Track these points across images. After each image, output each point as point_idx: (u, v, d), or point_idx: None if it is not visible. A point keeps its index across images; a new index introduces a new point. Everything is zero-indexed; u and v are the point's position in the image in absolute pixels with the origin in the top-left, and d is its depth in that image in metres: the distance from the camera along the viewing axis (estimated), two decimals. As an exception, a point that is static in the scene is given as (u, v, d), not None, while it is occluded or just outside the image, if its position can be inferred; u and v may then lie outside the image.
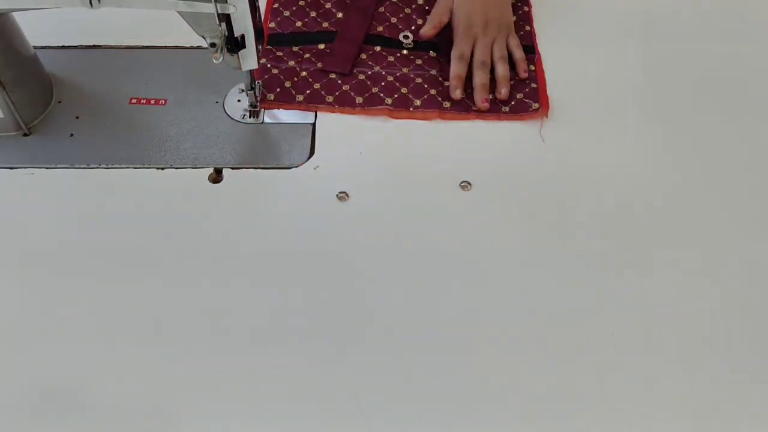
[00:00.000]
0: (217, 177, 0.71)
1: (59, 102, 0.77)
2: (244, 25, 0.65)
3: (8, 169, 0.71)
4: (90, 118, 0.75)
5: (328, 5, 0.84)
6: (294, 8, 0.84)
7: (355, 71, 0.78)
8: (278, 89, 0.76)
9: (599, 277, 0.64)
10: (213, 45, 0.65)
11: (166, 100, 0.77)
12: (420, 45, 0.82)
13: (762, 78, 0.81)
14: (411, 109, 0.75)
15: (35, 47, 0.74)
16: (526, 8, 0.86)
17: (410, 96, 0.76)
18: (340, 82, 0.77)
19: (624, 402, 0.57)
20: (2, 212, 0.67)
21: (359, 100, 0.75)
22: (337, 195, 0.69)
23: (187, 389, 0.57)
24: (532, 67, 0.79)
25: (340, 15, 0.83)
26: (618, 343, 0.60)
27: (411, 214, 0.68)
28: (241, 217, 0.67)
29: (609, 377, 0.58)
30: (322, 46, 0.80)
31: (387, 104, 0.75)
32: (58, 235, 0.66)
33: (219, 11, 0.62)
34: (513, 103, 0.76)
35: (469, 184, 0.70)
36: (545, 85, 0.78)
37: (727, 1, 0.89)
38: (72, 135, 0.74)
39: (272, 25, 0.82)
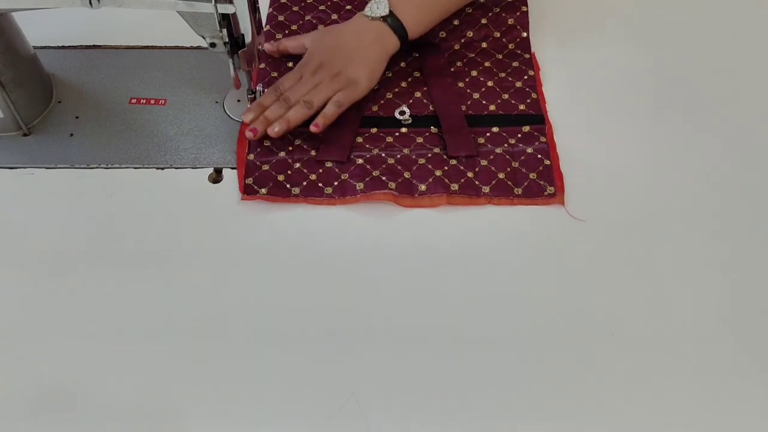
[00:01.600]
0: (217, 177, 0.71)
1: (59, 102, 0.77)
2: (244, 25, 0.65)
3: (8, 169, 0.71)
4: (90, 118, 0.75)
5: None
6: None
7: (352, 157, 0.71)
8: (271, 183, 0.68)
9: (599, 277, 0.64)
10: (213, 45, 0.65)
11: (166, 100, 0.77)
12: (419, 120, 0.74)
13: (762, 77, 0.81)
14: (416, 195, 0.68)
15: (35, 47, 0.75)
16: (531, 72, 0.78)
17: (414, 181, 0.69)
18: (337, 170, 0.70)
19: (624, 402, 0.57)
20: (2, 212, 0.67)
21: (360, 186, 0.68)
22: (337, 195, 0.69)
23: (187, 389, 0.57)
24: (543, 139, 0.72)
25: None
26: (618, 343, 0.60)
27: (411, 213, 0.68)
28: (241, 217, 0.67)
29: (609, 377, 0.58)
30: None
31: (390, 189, 0.67)
32: (58, 235, 0.66)
33: (219, 11, 0.62)
34: (526, 184, 0.68)
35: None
36: (558, 161, 0.70)
37: (727, 1, 0.89)
38: (72, 135, 0.74)
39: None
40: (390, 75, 0.78)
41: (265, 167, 0.69)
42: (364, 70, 0.73)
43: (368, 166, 0.69)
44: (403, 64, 0.79)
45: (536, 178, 0.69)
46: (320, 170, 0.70)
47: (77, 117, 0.75)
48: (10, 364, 0.58)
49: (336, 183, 0.69)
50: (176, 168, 0.71)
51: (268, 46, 0.79)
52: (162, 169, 0.71)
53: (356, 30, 0.75)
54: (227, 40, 0.65)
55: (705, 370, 0.59)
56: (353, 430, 0.55)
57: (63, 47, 0.82)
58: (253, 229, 0.67)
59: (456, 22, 0.82)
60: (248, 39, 0.66)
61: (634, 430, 0.56)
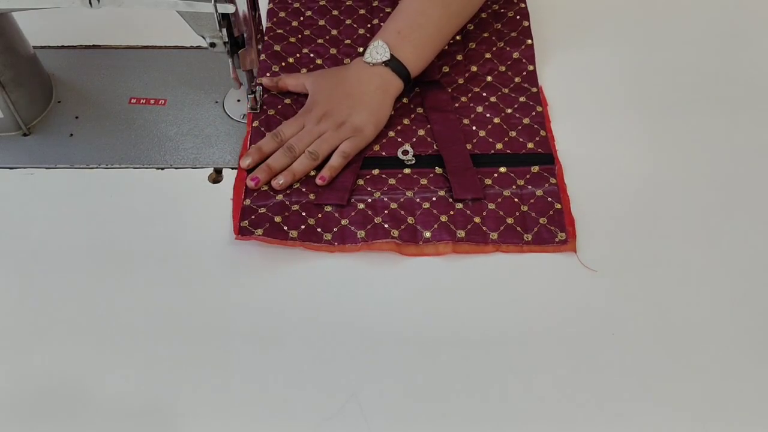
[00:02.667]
0: (217, 177, 0.71)
1: (59, 102, 0.77)
2: (244, 26, 0.65)
3: (8, 169, 0.71)
4: (90, 118, 0.75)
5: None
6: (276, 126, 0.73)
7: (353, 201, 0.68)
8: (267, 224, 0.65)
9: (599, 276, 0.64)
10: (213, 45, 0.65)
11: (165, 100, 0.77)
12: (423, 160, 0.71)
13: (763, 77, 0.81)
14: (420, 242, 0.65)
15: (35, 47, 0.75)
16: (539, 108, 0.75)
17: (418, 227, 0.66)
18: (337, 215, 0.66)
19: (624, 402, 0.57)
20: (2, 212, 0.67)
21: (361, 234, 0.65)
22: (337, 195, 0.69)
23: (187, 389, 0.57)
24: (553, 181, 0.69)
25: None
26: (618, 343, 0.60)
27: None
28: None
29: (609, 377, 0.58)
30: (312, 172, 0.70)
31: (393, 237, 0.65)
32: (58, 235, 0.66)
33: (219, 11, 0.62)
34: (536, 229, 0.66)
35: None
36: (570, 205, 0.68)
37: (727, 1, 0.89)
38: (72, 135, 0.74)
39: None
40: (392, 112, 0.74)
41: (262, 210, 0.67)
42: (369, 118, 0.71)
43: (370, 212, 0.67)
44: (405, 100, 0.76)
45: (547, 224, 0.66)
46: (319, 215, 0.67)
47: (77, 117, 0.75)
48: (9, 364, 0.58)
49: (336, 229, 0.66)
50: (176, 168, 0.71)
51: (266, 81, 0.76)
52: (162, 169, 0.71)
53: (358, 76, 0.73)
54: (227, 40, 0.65)
55: (706, 370, 0.59)
56: (354, 430, 0.55)
57: (63, 47, 0.82)
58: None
59: (460, 57, 0.80)
60: (248, 39, 0.66)
61: (634, 430, 0.56)
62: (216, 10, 0.62)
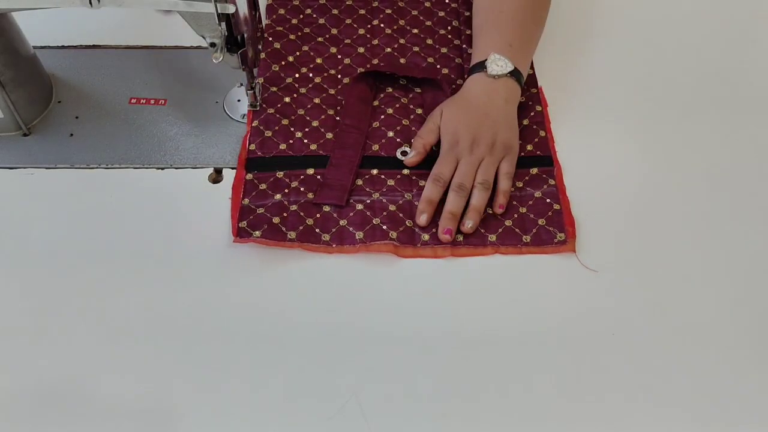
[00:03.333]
0: (217, 177, 0.71)
1: (59, 102, 0.77)
2: (244, 25, 0.65)
3: (8, 169, 0.71)
4: (90, 118, 0.75)
5: (315, 123, 0.74)
6: (276, 127, 0.73)
7: (352, 201, 0.68)
8: (265, 226, 0.65)
9: (599, 277, 0.64)
10: (213, 45, 0.65)
11: (166, 100, 0.77)
12: (422, 160, 0.71)
13: (763, 77, 0.81)
14: (419, 245, 0.65)
15: (35, 47, 0.74)
16: (538, 107, 0.75)
17: (416, 229, 0.66)
18: (336, 215, 0.66)
19: (624, 402, 0.57)
20: (2, 212, 0.67)
21: (359, 235, 0.65)
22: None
23: (187, 389, 0.57)
24: (552, 182, 0.69)
25: (329, 135, 0.73)
26: (619, 343, 0.60)
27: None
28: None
29: (609, 377, 0.58)
30: (311, 171, 0.70)
31: (392, 239, 0.65)
32: (58, 235, 0.66)
33: (219, 11, 0.62)
34: (534, 231, 0.66)
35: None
36: (569, 206, 0.67)
37: (727, 0, 0.89)
38: (72, 135, 0.74)
39: (252, 147, 0.71)
40: (391, 112, 0.75)
41: (260, 210, 0.67)
42: (512, 131, 0.71)
43: (368, 213, 0.66)
44: (404, 100, 0.76)
45: (546, 224, 0.66)
46: (317, 215, 0.67)
47: (77, 117, 0.75)
48: (9, 364, 0.58)
49: (334, 229, 0.66)
50: (176, 168, 0.71)
51: (413, 160, 0.70)
52: (162, 169, 0.71)
53: (486, 93, 0.72)
54: (227, 40, 0.65)
55: (706, 370, 0.59)
56: (354, 430, 0.55)
57: (63, 47, 0.82)
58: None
59: (458, 61, 0.80)
60: (248, 39, 0.66)
61: (634, 430, 0.56)
62: (216, 10, 0.62)
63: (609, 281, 0.63)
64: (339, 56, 0.81)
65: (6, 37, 0.69)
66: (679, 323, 0.61)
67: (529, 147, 0.72)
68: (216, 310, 0.61)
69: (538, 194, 0.68)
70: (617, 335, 0.60)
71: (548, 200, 0.68)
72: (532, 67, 0.79)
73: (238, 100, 0.77)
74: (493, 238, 0.66)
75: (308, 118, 0.75)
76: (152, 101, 0.77)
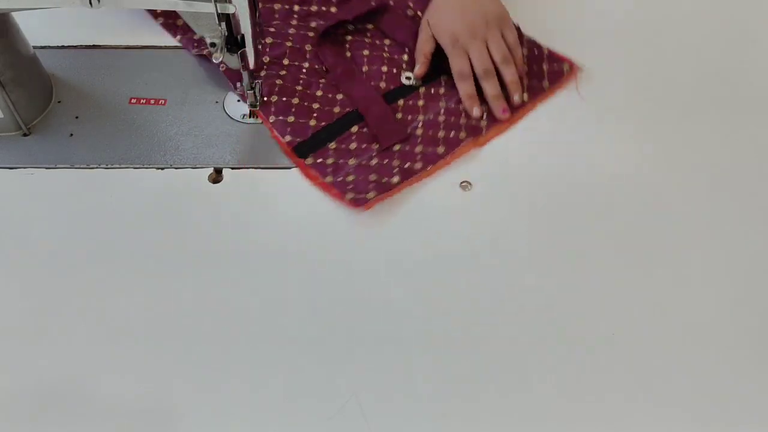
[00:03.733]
0: (217, 177, 0.71)
1: (59, 102, 0.77)
2: (244, 25, 0.65)
3: (8, 169, 0.71)
4: (90, 118, 0.75)
5: (319, 93, 0.76)
6: (293, 110, 0.74)
7: (408, 130, 0.72)
8: (370, 184, 0.68)
9: (599, 277, 0.64)
10: (213, 45, 0.65)
11: (166, 100, 0.77)
12: (428, 77, 0.77)
13: (763, 77, 0.81)
14: (484, 131, 0.72)
15: (35, 47, 0.74)
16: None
17: (474, 122, 0.73)
18: (409, 149, 0.71)
19: (624, 402, 0.57)
20: (2, 212, 0.67)
21: (441, 149, 0.70)
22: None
23: (187, 389, 0.57)
24: (534, 51, 0.78)
25: (339, 96, 0.76)
26: (619, 343, 0.60)
27: (411, 213, 0.68)
28: (241, 217, 0.67)
29: (609, 377, 0.58)
30: (354, 129, 0.73)
31: (462, 138, 0.71)
32: (58, 235, 0.66)
33: (219, 11, 0.62)
34: (547, 71, 0.75)
35: (470, 183, 0.70)
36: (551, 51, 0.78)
37: (727, 0, 0.89)
38: (72, 135, 0.74)
39: (288, 138, 0.72)
40: (367, 53, 0.79)
41: (351, 177, 0.69)
42: (496, 2, 0.77)
43: (431, 132, 0.72)
44: (368, 40, 0.80)
45: (553, 67, 0.76)
46: (396, 158, 0.70)
47: (77, 117, 0.75)
48: (9, 364, 0.58)
49: (419, 155, 0.70)
50: (176, 168, 0.71)
51: (420, 71, 0.77)
52: (162, 169, 0.71)
53: None
54: (227, 40, 0.65)
55: (706, 370, 0.59)
56: (354, 430, 0.55)
57: (63, 47, 0.82)
58: (254, 229, 0.67)
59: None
60: (248, 38, 0.66)
61: (634, 430, 0.56)
62: (216, 10, 0.62)
63: (609, 281, 0.63)
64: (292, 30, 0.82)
65: (6, 37, 0.69)
66: (679, 323, 0.61)
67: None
68: (216, 310, 0.61)
69: (526, 51, 0.77)
70: (617, 335, 0.60)
71: (535, 50, 0.77)
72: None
73: (238, 101, 0.77)
74: (525, 97, 0.74)
75: (309, 91, 0.76)
76: (152, 101, 0.77)
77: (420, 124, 0.73)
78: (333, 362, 0.58)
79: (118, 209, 0.68)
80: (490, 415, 0.56)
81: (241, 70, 0.70)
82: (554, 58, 0.76)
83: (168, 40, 0.82)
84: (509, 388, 0.57)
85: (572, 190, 0.69)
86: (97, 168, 0.71)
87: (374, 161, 0.70)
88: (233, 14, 0.63)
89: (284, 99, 0.75)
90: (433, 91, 0.76)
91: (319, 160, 0.71)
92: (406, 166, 0.69)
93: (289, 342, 0.59)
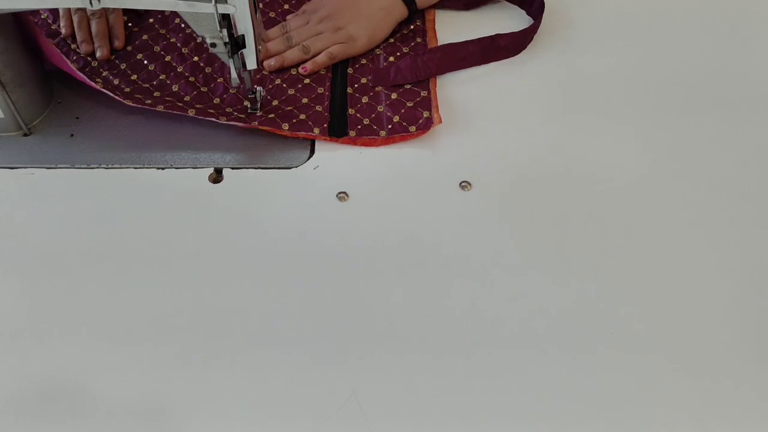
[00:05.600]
0: (217, 177, 0.71)
1: (59, 102, 0.77)
2: (244, 25, 0.65)
3: (8, 169, 0.71)
4: (90, 119, 0.75)
5: (306, 81, 0.79)
6: (296, 110, 0.76)
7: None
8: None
9: (599, 277, 0.64)
10: (213, 45, 0.66)
11: (166, 101, 0.77)
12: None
13: (762, 77, 0.81)
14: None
15: (35, 47, 0.75)
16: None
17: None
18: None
19: (624, 402, 0.57)
20: (2, 212, 0.67)
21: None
22: (336, 195, 0.69)
23: (187, 389, 0.57)
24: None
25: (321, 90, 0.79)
26: (618, 343, 0.60)
27: (411, 213, 0.68)
28: (241, 217, 0.68)
29: (608, 377, 0.58)
30: (350, 90, 0.78)
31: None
32: (58, 235, 0.66)
33: (219, 11, 0.62)
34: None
35: (469, 184, 0.70)
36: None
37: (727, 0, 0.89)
38: (72, 135, 0.74)
39: (317, 131, 0.74)
40: (169, 59, 0.81)
41: (396, 118, 0.74)
42: (365, 32, 0.79)
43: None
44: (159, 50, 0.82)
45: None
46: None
47: (77, 117, 0.75)
48: (9, 364, 0.58)
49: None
50: (176, 168, 0.71)
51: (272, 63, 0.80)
52: (162, 169, 0.71)
53: None
54: (227, 40, 0.65)
55: (706, 370, 0.59)
56: (354, 430, 0.55)
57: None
58: (254, 229, 0.67)
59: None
60: (248, 39, 0.66)
61: (635, 430, 0.56)
62: (216, 11, 0.62)
63: (608, 281, 0.63)
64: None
65: (6, 37, 0.69)
66: (679, 323, 0.61)
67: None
68: (215, 309, 0.61)
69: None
70: (616, 335, 0.60)
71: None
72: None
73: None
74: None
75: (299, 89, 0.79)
76: (152, 101, 0.77)
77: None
78: (333, 362, 0.58)
79: (118, 209, 0.68)
80: (490, 414, 0.56)
81: (242, 71, 0.70)
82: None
83: (168, 40, 0.82)
84: (509, 388, 0.57)
85: (572, 190, 0.69)
86: (97, 168, 0.71)
87: (393, 95, 0.76)
88: (233, 14, 0.63)
89: (285, 107, 0.76)
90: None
91: (359, 127, 0.74)
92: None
93: (289, 342, 0.59)
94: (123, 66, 0.79)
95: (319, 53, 0.79)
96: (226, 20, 0.64)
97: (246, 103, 0.75)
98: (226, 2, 0.62)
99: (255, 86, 0.74)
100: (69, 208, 0.68)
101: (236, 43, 0.66)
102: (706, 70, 0.81)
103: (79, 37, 0.78)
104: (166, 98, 0.75)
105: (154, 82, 0.78)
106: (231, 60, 0.68)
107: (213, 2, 0.61)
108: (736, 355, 0.60)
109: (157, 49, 0.81)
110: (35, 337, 0.60)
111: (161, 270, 0.64)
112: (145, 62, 0.79)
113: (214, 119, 0.72)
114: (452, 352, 0.59)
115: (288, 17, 0.84)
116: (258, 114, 0.75)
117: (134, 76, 0.78)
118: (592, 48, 0.82)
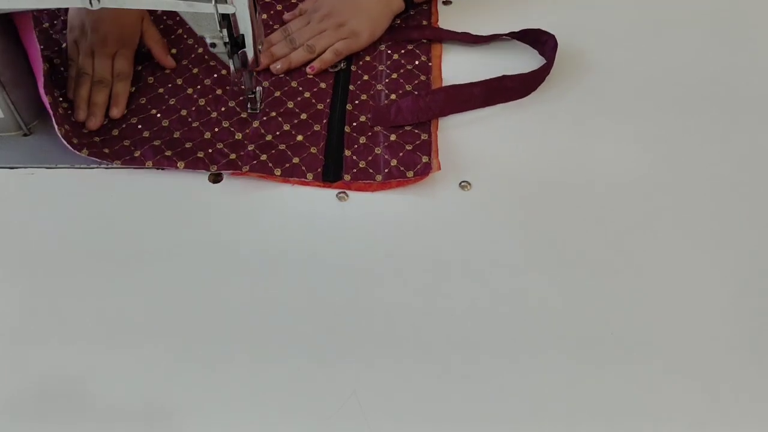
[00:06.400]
0: (217, 177, 0.71)
1: (59, 102, 0.77)
2: (244, 25, 0.65)
3: (8, 169, 0.71)
4: (90, 118, 0.75)
5: (303, 116, 0.75)
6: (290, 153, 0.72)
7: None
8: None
9: (599, 277, 0.64)
10: (213, 45, 0.65)
11: (166, 101, 0.77)
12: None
13: (763, 77, 0.81)
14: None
15: (35, 47, 0.75)
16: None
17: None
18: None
19: (624, 402, 0.57)
20: (2, 212, 0.67)
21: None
22: (336, 195, 0.69)
23: (187, 389, 0.57)
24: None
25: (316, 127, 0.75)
26: (618, 343, 0.60)
27: (411, 213, 0.68)
28: (241, 216, 0.68)
29: (609, 377, 0.58)
30: (348, 129, 0.74)
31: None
32: (58, 235, 0.66)
33: (219, 11, 0.62)
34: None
35: (469, 184, 0.70)
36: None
37: (728, 1, 0.89)
38: (72, 135, 0.74)
39: (310, 176, 0.70)
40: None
41: (394, 162, 0.70)
42: (367, 25, 0.79)
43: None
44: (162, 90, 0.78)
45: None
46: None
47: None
48: (9, 365, 0.58)
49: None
50: (176, 167, 0.71)
51: (287, 16, 0.84)
52: (162, 168, 0.71)
53: None
54: (227, 40, 0.65)
55: (705, 370, 0.59)
56: (354, 430, 0.55)
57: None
58: (254, 229, 0.67)
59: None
60: (248, 39, 0.66)
61: (635, 430, 0.56)
62: (216, 11, 0.62)
63: (608, 280, 0.63)
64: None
65: (6, 37, 0.69)
66: (680, 324, 0.61)
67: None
68: (215, 310, 0.61)
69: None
70: (616, 335, 0.60)
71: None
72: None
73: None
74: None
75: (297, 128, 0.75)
76: (152, 101, 0.77)
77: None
78: (333, 362, 0.58)
79: (118, 209, 0.68)
80: (490, 414, 0.56)
81: (242, 72, 0.70)
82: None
83: (168, 40, 0.83)
84: (509, 387, 0.57)
85: (572, 191, 0.69)
86: (97, 168, 0.71)
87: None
88: (233, 14, 0.63)
89: (279, 119, 0.75)
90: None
91: (354, 170, 0.70)
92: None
93: (289, 342, 0.59)
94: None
95: (324, 51, 0.78)
96: (226, 20, 0.64)
97: (249, 107, 0.75)
98: (226, 2, 0.62)
99: (255, 87, 0.73)
100: (69, 208, 0.68)
101: (236, 43, 0.66)
102: (707, 71, 0.81)
103: (75, 101, 0.75)
104: (154, 142, 0.72)
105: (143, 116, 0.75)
106: (231, 60, 0.67)
107: (213, 2, 0.61)
108: (736, 355, 0.60)
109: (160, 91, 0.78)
110: (35, 337, 0.60)
111: (161, 270, 0.64)
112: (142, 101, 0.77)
113: (204, 170, 0.70)
114: (452, 352, 0.59)
115: (285, 16, 0.84)
116: (258, 113, 0.75)
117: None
118: (592, 49, 0.82)
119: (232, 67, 0.68)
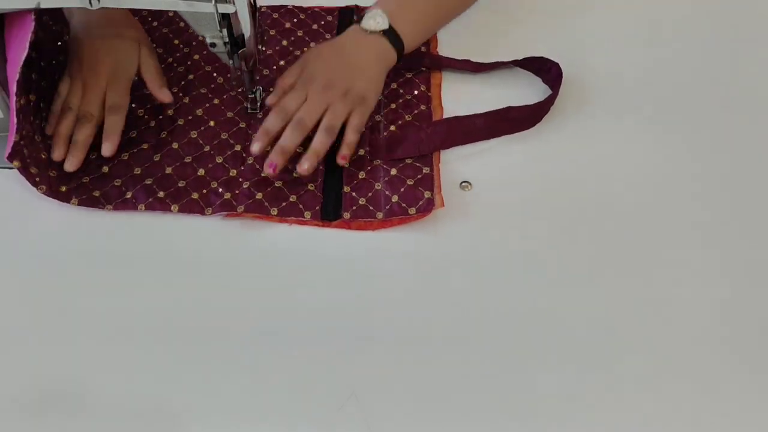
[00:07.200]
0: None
1: (59, 102, 0.76)
2: (244, 25, 0.65)
3: (8, 169, 0.70)
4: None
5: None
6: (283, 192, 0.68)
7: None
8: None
9: (600, 277, 0.64)
10: (213, 45, 0.65)
11: (166, 101, 0.77)
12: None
13: (763, 78, 0.81)
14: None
15: (35, 47, 0.74)
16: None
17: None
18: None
19: (624, 402, 0.57)
20: (2, 212, 0.67)
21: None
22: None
23: (186, 389, 0.57)
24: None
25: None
26: (618, 343, 0.60)
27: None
28: (241, 217, 0.67)
29: (609, 377, 0.58)
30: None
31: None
32: (58, 235, 0.66)
33: (219, 11, 0.62)
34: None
35: (469, 183, 0.70)
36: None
37: (728, 1, 0.89)
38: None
39: (308, 215, 0.67)
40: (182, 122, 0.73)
41: (395, 198, 0.67)
42: (370, 86, 0.71)
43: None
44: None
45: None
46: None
47: (77, 117, 0.75)
48: (9, 365, 0.58)
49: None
50: (176, 168, 0.71)
51: (273, 99, 0.71)
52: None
53: (356, 44, 0.72)
54: (227, 40, 0.65)
55: (707, 371, 0.59)
56: (354, 430, 0.55)
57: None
58: (254, 229, 0.67)
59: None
60: (248, 39, 0.66)
61: (635, 430, 0.56)
62: (216, 11, 0.62)
63: (608, 280, 0.63)
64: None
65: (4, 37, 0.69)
66: (682, 325, 0.61)
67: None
68: (215, 310, 0.61)
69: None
70: (616, 335, 0.60)
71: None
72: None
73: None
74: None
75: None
76: (152, 101, 0.77)
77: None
78: (333, 362, 0.58)
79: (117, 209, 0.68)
80: (490, 414, 0.56)
81: (242, 72, 0.70)
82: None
83: (168, 40, 0.82)
84: (509, 388, 0.57)
85: (572, 191, 0.69)
86: (97, 168, 0.71)
87: (393, 171, 0.69)
88: (233, 14, 0.63)
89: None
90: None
91: (354, 208, 0.67)
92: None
93: (289, 342, 0.59)
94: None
95: (338, 126, 0.68)
96: (226, 20, 0.64)
97: (249, 107, 0.75)
98: (226, 2, 0.62)
99: (255, 86, 0.73)
100: (69, 209, 0.68)
101: (236, 43, 0.66)
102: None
103: (54, 138, 0.68)
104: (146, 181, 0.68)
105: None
106: (231, 60, 0.67)
107: (213, 2, 0.61)
108: (736, 355, 0.60)
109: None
110: (35, 337, 0.60)
111: (161, 270, 0.64)
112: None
113: (199, 213, 0.67)
114: (452, 352, 0.59)
115: (269, 100, 0.71)
116: (258, 115, 0.74)
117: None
118: (593, 51, 0.82)
119: (232, 69, 0.68)
